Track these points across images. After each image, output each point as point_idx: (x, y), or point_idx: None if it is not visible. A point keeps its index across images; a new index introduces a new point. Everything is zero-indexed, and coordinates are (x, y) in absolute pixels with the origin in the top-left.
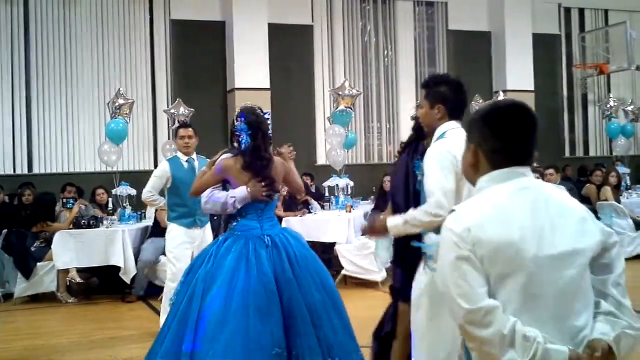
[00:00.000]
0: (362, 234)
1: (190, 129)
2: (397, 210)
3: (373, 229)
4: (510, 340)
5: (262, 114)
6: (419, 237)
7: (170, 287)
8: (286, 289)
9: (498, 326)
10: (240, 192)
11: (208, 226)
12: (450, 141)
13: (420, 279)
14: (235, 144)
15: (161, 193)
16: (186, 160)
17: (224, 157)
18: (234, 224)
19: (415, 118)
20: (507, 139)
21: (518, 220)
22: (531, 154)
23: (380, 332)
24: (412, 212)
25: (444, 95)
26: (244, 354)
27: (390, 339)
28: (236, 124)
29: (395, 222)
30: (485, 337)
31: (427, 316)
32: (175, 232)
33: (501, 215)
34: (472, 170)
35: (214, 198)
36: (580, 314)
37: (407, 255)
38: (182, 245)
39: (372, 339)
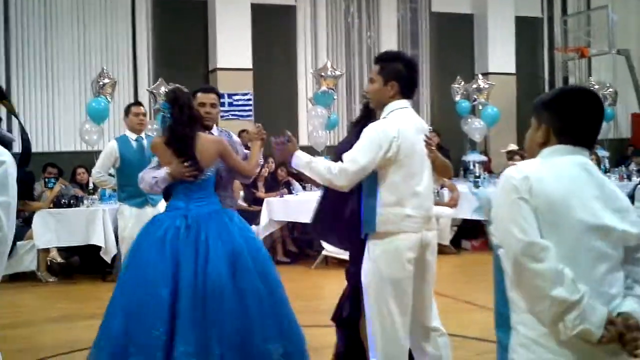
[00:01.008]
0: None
1: (142, 107)
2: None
3: (282, 145)
4: (561, 278)
5: (185, 93)
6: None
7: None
8: (184, 271)
9: (551, 263)
10: (160, 172)
11: (162, 204)
12: (391, 122)
13: (365, 267)
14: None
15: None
16: (135, 139)
17: (155, 136)
18: (167, 203)
19: (364, 95)
20: (581, 121)
21: (573, 184)
22: (595, 138)
23: (340, 316)
24: (320, 161)
25: (399, 72)
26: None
27: (354, 320)
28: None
29: (303, 157)
30: (539, 269)
31: (376, 301)
32: (126, 213)
33: (558, 176)
34: (541, 147)
35: (145, 177)
36: (612, 285)
37: (351, 238)
38: (132, 227)
39: (335, 325)
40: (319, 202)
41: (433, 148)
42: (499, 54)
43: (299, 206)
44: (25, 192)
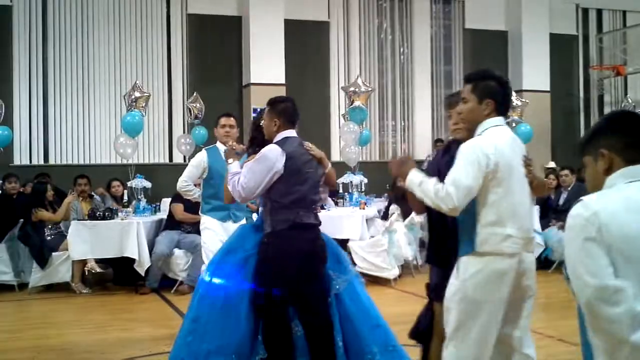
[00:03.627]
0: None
1: (232, 119)
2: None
3: (398, 165)
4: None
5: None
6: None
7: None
8: None
9: (628, 305)
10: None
11: (244, 222)
12: (486, 139)
13: (453, 283)
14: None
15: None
16: (225, 151)
17: None
18: None
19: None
20: (634, 134)
21: None
22: None
23: (417, 330)
24: (431, 181)
25: (494, 89)
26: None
27: (427, 337)
28: None
29: (415, 177)
30: (614, 315)
31: (455, 323)
32: (209, 224)
33: (630, 207)
34: (605, 176)
35: None
36: None
37: (443, 253)
38: (217, 238)
39: (410, 338)
40: (430, 238)
41: (531, 168)
42: (533, 71)
43: (331, 222)
44: (37, 201)
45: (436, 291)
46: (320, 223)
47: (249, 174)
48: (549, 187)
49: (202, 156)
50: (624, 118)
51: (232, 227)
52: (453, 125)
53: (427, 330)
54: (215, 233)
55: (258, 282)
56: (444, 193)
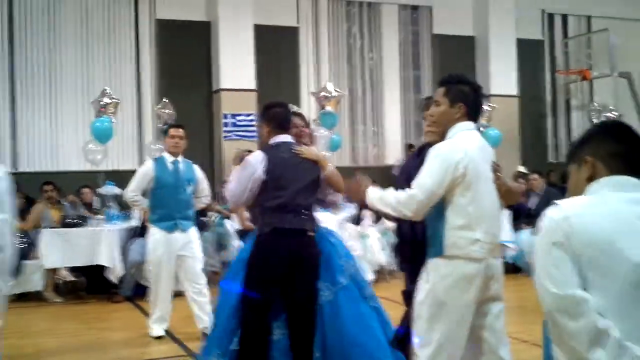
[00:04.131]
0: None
1: (181, 130)
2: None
3: (352, 188)
4: (602, 339)
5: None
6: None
7: (153, 289)
8: None
9: (590, 319)
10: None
11: (192, 230)
12: (456, 143)
13: (422, 287)
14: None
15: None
16: (172, 162)
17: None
18: None
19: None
20: (625, 142)
21: (625, 224)
22: None
23: (396, 337)
24: (390, 192)
25: (466, 94)
26: None
27: (407, 344)
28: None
29: (374, 193)
30: (575, 329)
31: (426, 327)
32: (156, 236)
33: (607, 215)
34: (589, 182)
35: None
36: None
37: (417, 256)
38: (161, 250)
39: (390, 346)
40: (399, 243)
41: (500, 174)
42: (501, 76)
43: None
44: None
45: (412, 297)
46: (311, 229)
47: (235, 181)
48: (521, 194)
49: (148, 166)
50: (612, 127)
51: (179, 237)
52: (427, 126)
53: (405, 336)
54: (158, 245)
55: (242, 284)
56: (406, 197)
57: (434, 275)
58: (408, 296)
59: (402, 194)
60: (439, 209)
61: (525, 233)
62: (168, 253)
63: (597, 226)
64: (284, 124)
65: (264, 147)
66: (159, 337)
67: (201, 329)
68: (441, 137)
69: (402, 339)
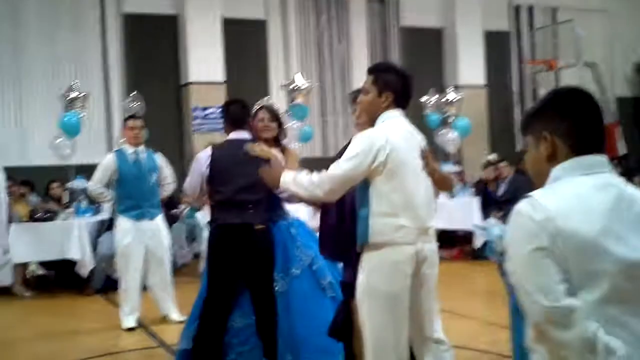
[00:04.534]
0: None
1: (139, 121)
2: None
3: (268, 175)
4: (591, 346)
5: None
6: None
7: (122, 280)
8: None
9: (580, 329)
10: None
11: (159, 218)
12: (379, 130)
13: (359, 277)
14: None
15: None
16: (133, 152)
17: (294, 148)
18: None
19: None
20: (585, 115)
21: (603, 216)
22: (604, 139)
23: (334, 327)
24: (304, 174)
25: (394, 83)
26: None
27: (345, 334)
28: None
29: (288, 177)
30: (565, 340)
31: (367, 316)
32: (123, 225)
33: (585, 208)
34: (549, 163)
35: None
36: None
37: (350, 251)
38: (129, 240)
39: (328, 335)
40: (320, 230)
41: (429, 161)
42: (469, 67)
43: None
44: None
45: (349, 288)
46: (260, 222)
47: (189, 175)
48: (452, 182)
49: (110, 159)
50: (571, 97)
51: (147, 225)
52: (356, 118)
53: (343, 326)
54: (126, 235)
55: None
56: (319, 178)
57: (367, 265)
58: (344, 287)
59: (316, 176)
60: (364, 197)
61: (491, 221)
62: (137, 242)
63: (581, 224)
64: (238, 121)
65: (217, 143)
66: (130, 329)
67: (166, 317)
68: (371, 125)
69: (339, 329)
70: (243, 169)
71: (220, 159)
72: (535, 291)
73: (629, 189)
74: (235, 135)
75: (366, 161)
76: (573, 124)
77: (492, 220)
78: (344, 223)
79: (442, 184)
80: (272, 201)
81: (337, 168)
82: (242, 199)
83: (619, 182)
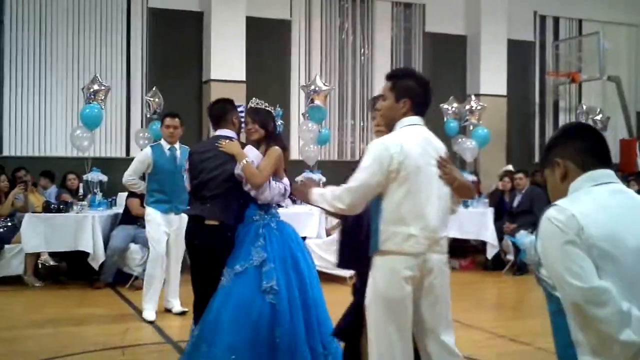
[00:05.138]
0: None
1: (177, 119)
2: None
3: (300, 192)
4: (628, 320)
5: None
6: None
7: (151, 269)
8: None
9: (615, 305)
10: (286, 181)
11: (184, 215)
12: (394, 137)
13: (368, 283)
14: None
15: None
16: (169, 149)
17: (276, 147)
18: (272, 210)
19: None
20: (586, 139)
21: (617, 213)
22: (610, 157)
23: (338, 328)
24: (329, 189)
25: (412, 89)
26: None
27: (354, 335)
28: (272, 110)
29: (316, 192)
30: (604, 316)
31: (371, 321)
32: (152, 216)
33: (601, 208)
34: (563, 183)
35: (279, 190)
36: None
37: (360, 256)
38: (160, 229)
39: (333, 335)
40: (339, 242)
41: (447, 169)
42: (491, 75)
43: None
44: None
45: (359, 294)
46: (213, 218)
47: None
48: (472, 190)
49: (147, 152)
50: (575, 127)
51: (174, 218)
52: (375, 126)
53: (348, 328)
54: (158, 224)
55: None
56: (340, 191)
57: (375, 271)
58: (355, 290)
59: (338, 189)
60: (377, 204)
61: (522, 233)
62: (164, 234)
63: (599, 222)
64: (218, 119)
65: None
66: (151, 322)
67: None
68: (389, 132)
69: (345, 331)
70: (207, 165)
71: (194, 155)
72: (572, 277)
73: (634, 193)
74: (218, 132)
75: (381, 169)
76: (579, 146)
77: (523, 232)
78: (360, 232)
79: (462, 192)
80: (237, 200)
81: (354, 180)
82: (202, 193)
83: (626, 189)
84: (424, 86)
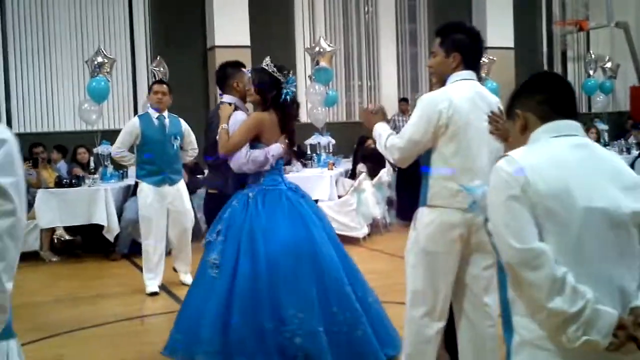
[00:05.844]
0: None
1: (165, 86)
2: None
3: (368, 115)
4: (559, 287)
5: None
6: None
7: (145, 245)
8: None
9: (549, 270)
10: (276, 148)
11: (181, 183)
12: (443, 92)
13: (410, 235)
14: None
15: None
16: (157, 117)
17: (255, 113)
18: (261, 179)
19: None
20: (549, 90)
21: (573, 170)
22: (575, 109)
23: None
24: (386, 134)
25: (462, 42)
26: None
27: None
28: (280, 77)
29: (379, 128)
30: (535, 280)
31: (412, 267)
32: (145, 191)
33: (556, 162)
34: (522, 135)
35: (252, 157)
36: (628, 279)
37: (413, 184)
38: (152, 205)
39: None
40: (396, 193)
41: (498, 124)
42: (498, 28)
43: (300, 183)
44: None
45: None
46: (209, 186)
47: None
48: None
49: (134, 122)
50: (535, 78)
51: (168, 190)
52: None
53: None
54: (148, 204)
55: None
56: (390, 144)
57: (419, 223)
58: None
59: (391, 140)
60: (427, 157)
61: (476, 183)
62: (159, 207)
63: (551, 176)
64: (220, 85)
65: None
66: (154, 294)
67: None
68: (442, 87)
69: None
70: (211, 133)
71: (207, 122)
72: (508, 234)
73: (601, 149)
74: (224, 99)
75: (430, 125)
76: (540, 98)
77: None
78: (411, 185)
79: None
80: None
81: (404, 135)
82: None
83: (591, 142)
84: (474, 39)
